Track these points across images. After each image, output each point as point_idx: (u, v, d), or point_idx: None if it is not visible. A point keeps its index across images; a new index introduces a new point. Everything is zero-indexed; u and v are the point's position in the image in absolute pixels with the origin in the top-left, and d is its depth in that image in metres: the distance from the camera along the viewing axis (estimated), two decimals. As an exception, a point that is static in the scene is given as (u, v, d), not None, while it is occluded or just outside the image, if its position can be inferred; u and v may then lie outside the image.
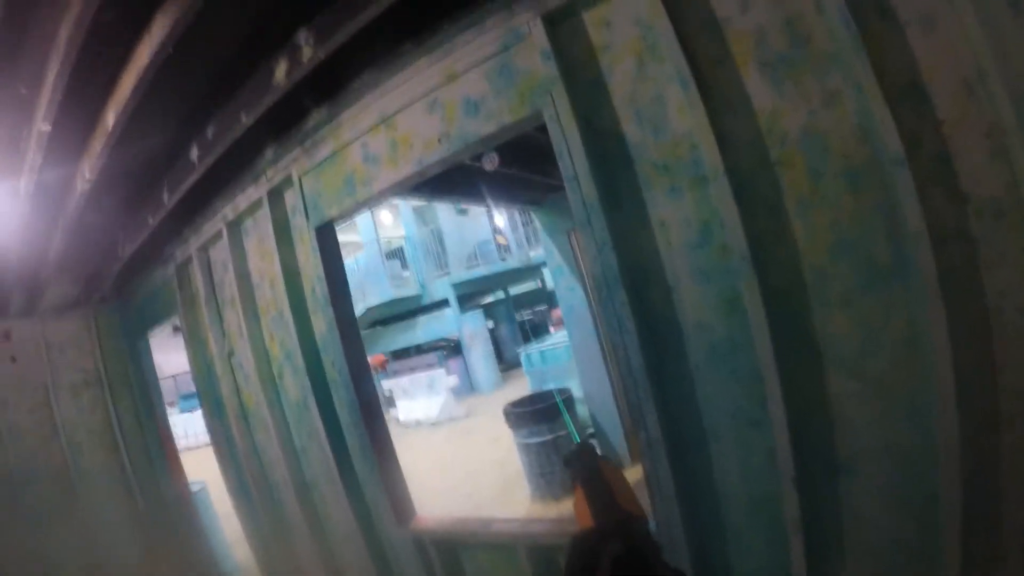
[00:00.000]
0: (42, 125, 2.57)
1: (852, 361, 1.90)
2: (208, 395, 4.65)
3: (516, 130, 2.45)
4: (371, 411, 3.35)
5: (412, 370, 15.82)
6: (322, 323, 3.41)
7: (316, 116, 3.04)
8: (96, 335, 5.73)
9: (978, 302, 1.71)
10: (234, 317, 4.04)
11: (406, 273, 18.35)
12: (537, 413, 6.20)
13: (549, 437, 6.08)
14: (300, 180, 3.28)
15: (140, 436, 5.84)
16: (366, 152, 2.95)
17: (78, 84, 2.44)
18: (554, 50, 2.21)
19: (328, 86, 2.92)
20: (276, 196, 3.49)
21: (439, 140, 2.63)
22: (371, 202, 3.09)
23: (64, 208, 3.53)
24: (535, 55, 2.27)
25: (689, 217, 2.11)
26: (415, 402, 13.86)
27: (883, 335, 1.85)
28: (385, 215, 19.84)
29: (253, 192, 3.58)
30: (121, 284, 5.48)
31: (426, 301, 17.89)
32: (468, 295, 17.90)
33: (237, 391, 4.28)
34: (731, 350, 2.08)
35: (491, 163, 2.37)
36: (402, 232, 18.71)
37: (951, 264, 1.71)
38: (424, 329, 18.22)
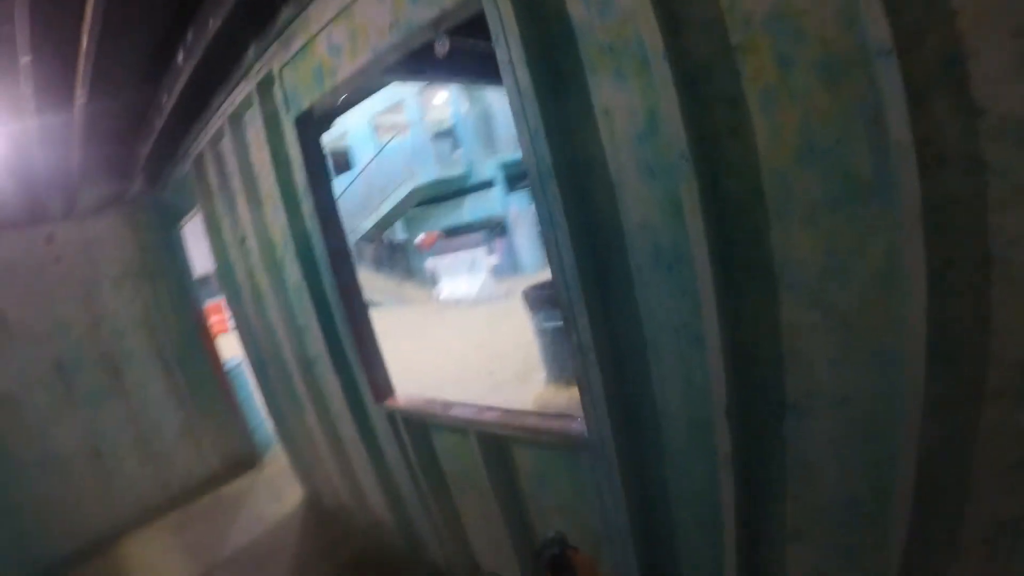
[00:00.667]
0: (22, 58, 2.55)
1: (813, 289, 1.56)
2: (227, 279, 4.69)
3: (458, 15, 2.08)
4: (350, 296, 3.31)
5: (457, 249, 15.93)
6: (308, 211, 3.32)
7: (286, 11, 2.83)
8: (133, 229, 5.86)
9: (978, 246, 1.31)
10: (243, 206, 3.98)
11: (456, 153, 18.02)
12: (554, 297, 6.07)
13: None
14: (280, 74, 3.10)
15: (177, 320, 6.08)
16: (330, 43, 2.70)
17: (44, 15, 2.40)
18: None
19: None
20: (264, 90, 3.31)
21: (390, 27, 2.31)
22: (339, 91, 2.84)
23: (71, 122, 3.53)
24: (471, -68, 1.86)
25: (635, 105, 1.74)
26: (456, 281, 14.03)
27: (854, 263, 1.48)
28: (438, 96, 19.22)
29: (245, 87, 3.42)
30: (152, 181, 5.45)
31: (473, 181, 17.64)
32: (516, 175, 17.53)
33: (250, 275, 4.31)
34: (676, 258, 1.77)
35: (442, 48, 2.10)
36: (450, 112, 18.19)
37: (946, 192, 1.30)
38: (470, 209, 18.12)
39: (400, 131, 18.40)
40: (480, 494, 2.93)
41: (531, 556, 1.42)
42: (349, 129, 18.93)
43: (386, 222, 18.80)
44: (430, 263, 15.59)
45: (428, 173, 17.01)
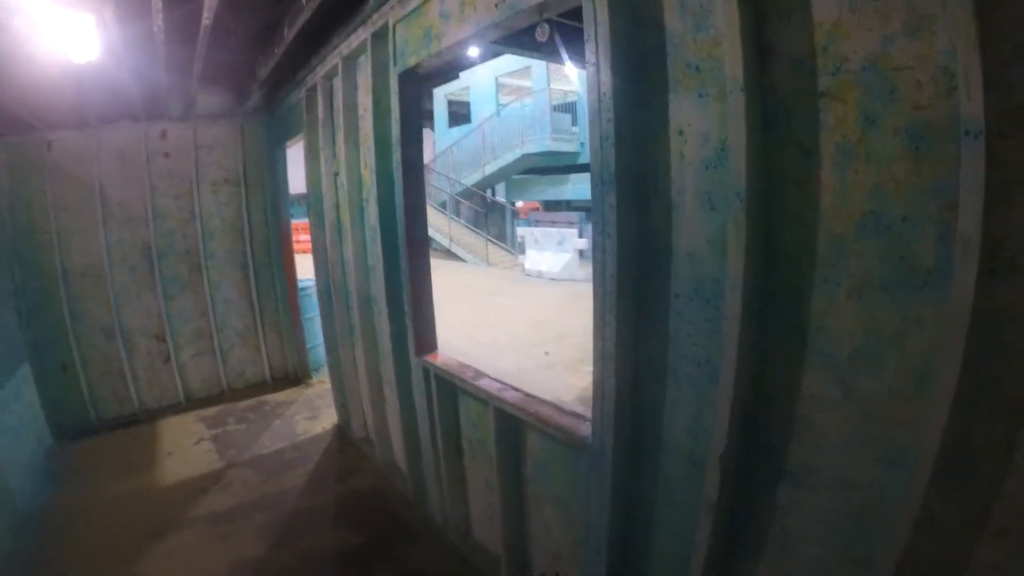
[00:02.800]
0: None
1: (841, 365, 1.46)
2: (315, 206, 4.92)
3: (560, 4, 2.07)
4: (417, 250, 3.44)
5: (552, 224, 15.88)
6: (396, 161, 3.43)
7: (409, -32, 2.88)
8: (241, 140, 6.21)
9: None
10: (342, 142, 4.14)
11: (574, 128, 17.82)
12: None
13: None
14: (394, 28, 3.20)
15: (264, 231, 6.44)
16: (442, 8, 2.75)
17: None
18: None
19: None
20: (379, 39, 3.43)
21: (496, 5, 2.31)
22: (441, 55, 2.89)
23: (195, 40, 3.73)
24: (586, -77, 1.80)
25: (709, 131, 1.67)
26: (542, 254, 14.01)
27: (890, 352, 1.36)
28: (567, 68, 18.97)
29: (362, 33, 3.55)
30: (268, 99, 5.76)
31: (583, 160, 17.43)
32: (626, 165, 17.07)
33: (336, 207, 4.52)
34: (716, 294, 1.71)
35: (542, 35, 2.08)
36: (576, 87, 17.93)
37: (1008, 304, 1.16)
38: (574, 187, 17.95)
39: (522, 96, 18.35)
40: (488, 464, 3.00)
41: None
42: (473, 83, 19.08)
43: (489, 182, 18.99)
44: (521, 231, 15.65)
45: (541, 143, 16.94)
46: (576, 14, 2.18)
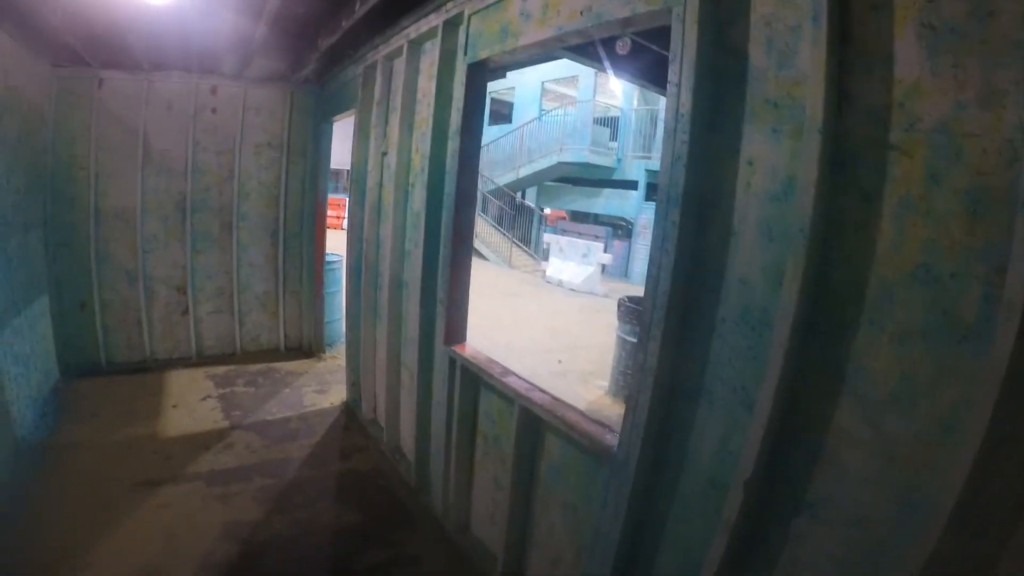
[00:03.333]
0: None
1: (874, 406, 1.56)
2: (358, 183, 5.07)
3: (648, 21, 2.16)
4: (461, 241, 3.55)
5: (579, 235, 16.03)
6: (452, 150, 3.56)
7: (492, -41, 3.00)
8: (289, 108, 6.40)
9: None
10: (395, 123, 4.29)
11: (612, 144, 17.97)
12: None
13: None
14: (469, 18, 3.33)
15: (299, 201, 6.62)
16: (523, 7, 2.87)
17: None
18: (704, -57, 1.85)
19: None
20: (450, 27, 3.56)
21: (581, 12, 2.43)
22: (516, 53, 3.02)
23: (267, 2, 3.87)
24: (687, -56, 1.93)
25: (778, 165, 1.79)
26: (565, 264, 14.14)
27: (923, 400, 1.47)
28: (613, 82, 19.16)
29: (434, 19, 3.69)
30: (322, 71, 5.92)
31: (617, 176, 17.57)
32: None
33: (380, 186, 4.66)
34: (762, 323, 1.82)
35: (623, 47, 2.20)
36: (620, 102, 18.08)
37: None
38: (606, 202, 18.06)
39: (566, 103, 18.53)
40: (500, 461, 3.12)
41: None
42: (518, 84, 19.30)
43: (521, 184, 19.18)
44: (547, 238, 15.80)
45: (578, 153, 17.09)
46: (650, 34, 2.32)
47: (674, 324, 2.06)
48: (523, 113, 19.55)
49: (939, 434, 1.45)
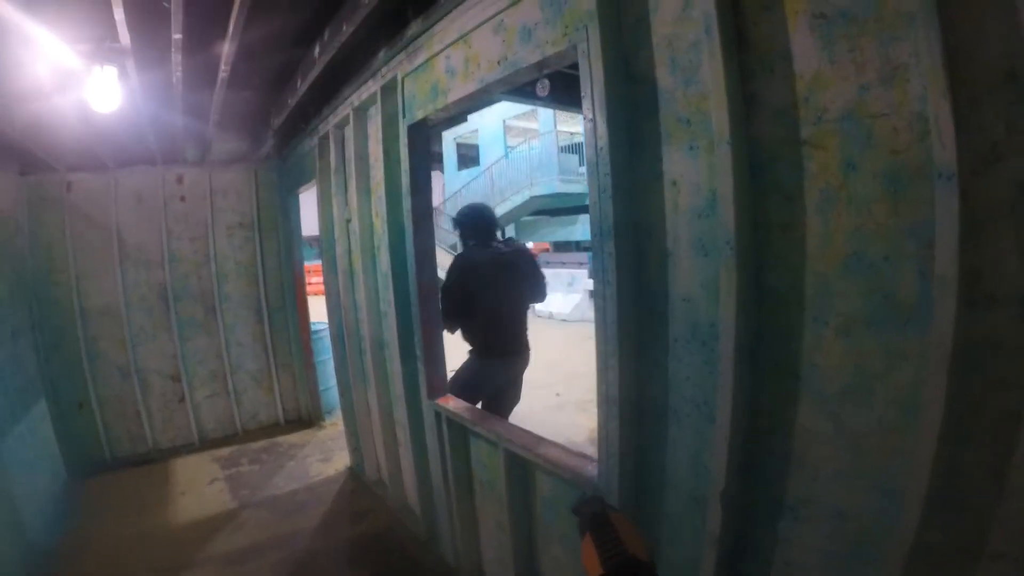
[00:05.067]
0: (175, 34, 2.86)
1: (832, 400, 1.51)
2: (328, 252, 5.04)
3: (558, 62, 2.18)
4: (426, 294, 3.50)
5: (562, 264, 16.02)
6: (406, 209, 3.53)
7: (415, 26, 3.02)
8: (255, 186, 6.40)
9: (1013, 399, 1.22)
10: (354, 189, 4.27)
11: (581, 169, 18.13)
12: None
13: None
14: (402, 81, 3.34)
15: (278, 276, 6.57)
16: (448, 64, 2.89)
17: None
18: (596, -19, 1.85)
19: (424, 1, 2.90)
20: (388, 92, 3.58)
21: (499, 62, 2.44)
22: (448, 109, 3.03)
23: (212, 89, 3.93)
24: (580, -16, 1.93)
25: (700, 182, 1.76)
26: (551, 295, 14.09)
27: (877, 386, 1.42)
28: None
29: (372, 85, 3.71)
30: (281, 146, 5.95)
31: (590, 202, 17.65)
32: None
33: (348, 253, 4.63)
34: (711, 336, 1.76)
35: (543, 90, 2.21)
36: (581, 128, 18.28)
37: (990, 334, 1.22)
38: (583, 228, 18.15)
39: (530, 138, 18.74)
40: (499, 505, 3.02)
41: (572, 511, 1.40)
42: (481, 127, 19.52)
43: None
44: (529, 272, 15.78)
45: (549, 185, 17.23)
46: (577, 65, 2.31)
47: (628, 352, 2.01)
48: (489, 154, 19.74)
49: (900, 418, 1.39)
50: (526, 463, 2.74)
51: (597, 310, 2.07)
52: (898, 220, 1.37)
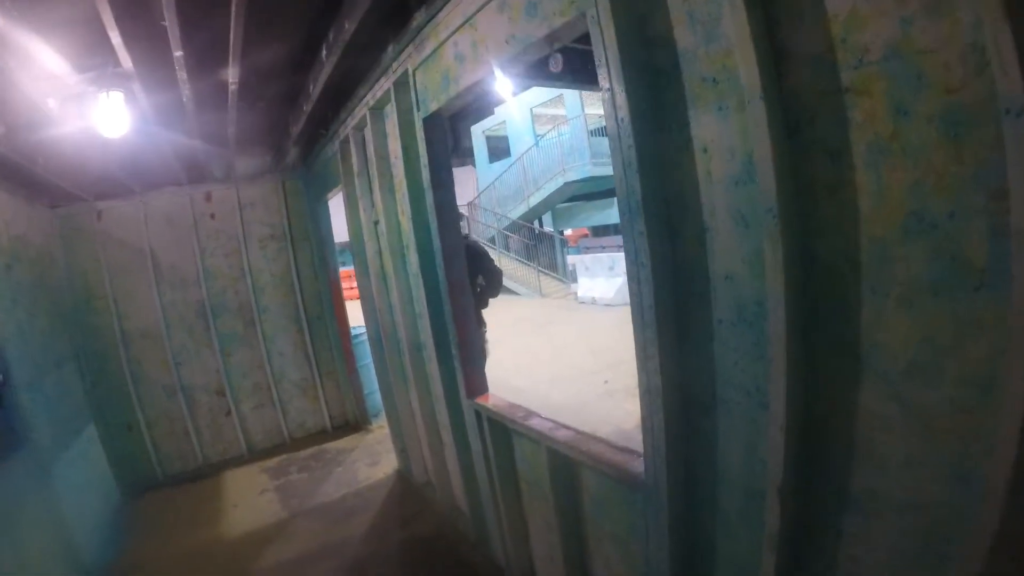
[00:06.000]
0: (175, 51, 2.82)
1: (898, 380, 1.34)
2: (359, 256, 5.02)
3: (569, 32, 2.03)
4: (457, 292, 3.43)
5: (602, 249, 15.79)
6: (429, 205, 3.45)
7: (419, 16, 2.92)
8: (283, 197, 6.46)
9: None
10: (378, 190, 4.22)
11: (614, 152, 17.79)
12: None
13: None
14: (414, 74, 3.25)
15: (314, 283, 6.62)
16: (456, 51, 2.78)
17: (188, 20, 2.64)
18: (600, -60, 1.69)
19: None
20: (401, 87, 3.50)
21: (506, 41, 2.32)
22: (462, 97, 2.92)
23: (225, 104, 3.90)
24: (584, -52, 1.78)
25: (734, 146, 1.60)
26: (594, 281, 13.89)
27: (948, 361, 1.24)
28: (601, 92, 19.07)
29: (384, 82, 3.64)
30: (304, 154, 5.98)
31: (625, 183, 17.33)
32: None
33: (379, 255, 4.59)
34: (759, 316, 1.61)
35: (555, 65, 2.08)
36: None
37: None
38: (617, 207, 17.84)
39: (559, 124, 18.49)
40: (546, 503, 2.92)
41: None
42: (508, 117, 19.34)
43: (535, 213, 19.09)
44: (571, 259, 15.61)
45: (581, 169, 16.97)
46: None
47: (669, 339, 1.87)
48: (519, 144, 19.55)
49: (976, 396, 1.22)
50: (570, 461, 2.63)
51: (632, 295, 1.93)
52: (961, 169, 1.18)
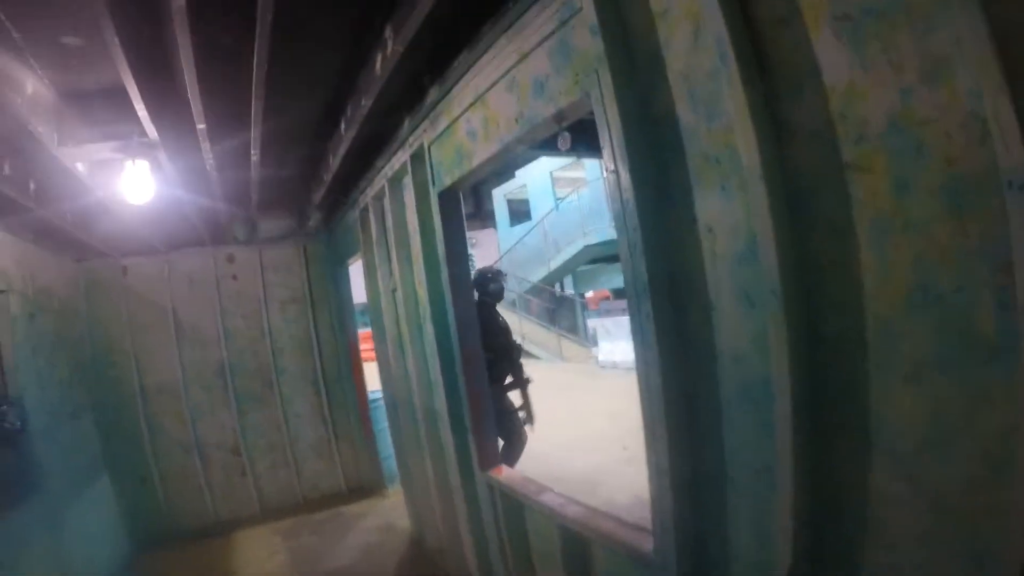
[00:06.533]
0: (198, 124, 3.00)
1: (907, 457, 1.30)
2: (376, 322, 5.07)
3: (575, 111, 2.11)
4: (471, 364, 3.42)
5: (623, 312, 15.67)
6: (444, 279, 3.50)
7: (433, 93, 3.05)
8: (304, 261, 6.57)
9: None
10: (396, 260, 4.32)
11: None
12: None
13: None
14: (429, 149, 3.36)
15: (333, 347, 6.64)
16: (469, 127, 2.88)
17: (210, 96, 2.80)
18: (601, 23, 1.78)
19: (439, 66, 2.91)
20: (417, 161, 3.61)
21: (516, 120, 2.41)
22: (475, 174, 3.03)
23: (248, 171, 4.09)
24: (586, 30, 1.87)
25: (738, 224, 1.60)
26: (615, 344, 13.75)
27: (959, 437, 1.20)
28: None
29: (402, 155, 3.76)
30: (327, 219, 6.14)
31: (647, 247, 17.36)
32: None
33: (396, 323, 4.62)
34: (766, 395, 1.57)
35: (563, 143, 2.16)
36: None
37: None
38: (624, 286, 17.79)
39: (578, 187, 18.76)
40: (557, 576, 2.82)
41: None
42: (529, 181, 19.68)
43: (555, 276, 19.13)
44: (592, 323, 15.52)
45: (601, 232, 17.04)
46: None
47: (676, 420, 1.85)
48: (540, 207, 19.79)
49: (988, 473, 1.18)
50: (581, 536, 2.55)
51: (640, 376, 1.92)
52: (966, 242, 1.17)
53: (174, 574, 5.14)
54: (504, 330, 4.87)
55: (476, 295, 4.52)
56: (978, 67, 1.05)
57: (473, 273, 4.62)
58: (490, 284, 4.76)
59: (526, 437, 4.83)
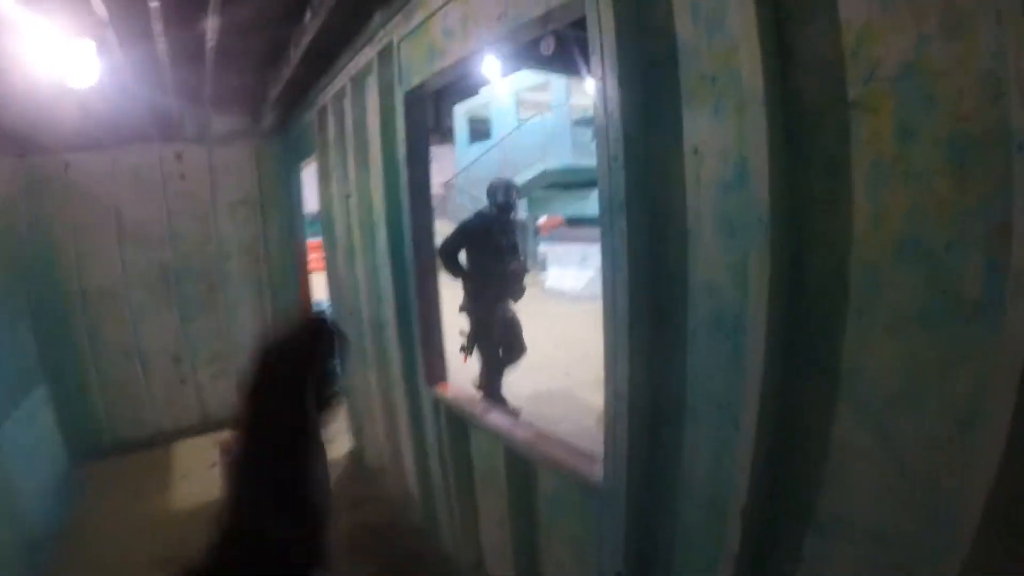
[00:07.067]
0: (151, 3, 2.66)
1: (877, 409, 1.29)
2: (328, 229, 4.86)
3: (565, 13, 1.94)
4: (425, 274, 3.33)
5: (573, 240, 15.70)
6: (403, 183, 3.33)
7: (410, -17, 2.80)
8: (255, 162, 6.17)
9: None
10: (353, 164, 4.09)
11: (595, 143, 17.68)
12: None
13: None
14: (399, 45, 3.11)
15: (280, 253, 6.38)
16: (445, 24, 2.65)
17: None
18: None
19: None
20: (385, 58, 3.34)
21: (498, 18, 2.20)
22: (446, 74, 2.81)
23: (202, 61, 3.74)
24: (587, -78, 1.68)
25: (727, 149, 1.52)
26: (564, 272, 13.82)
27: (931, 395, 1.19)
28: (588, 82, 18.89)
29: (368, 52, 3.48)
30: (281, 120, 5.76)
31: (604, 175, 17.27)
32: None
33: (348, 230, 4.43)
34: (736, 328, 1.54)
35: (547, 47, 2.00)
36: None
37: None
38: (597, 202, 17.78)
39: (542, 111, 18.30)
40: (500, 499, 2.85)
41: None
42: (493, 99, 19.05)
43: (512, 198, 18.88)
44: (543, 248, 15.49)
45: (562, 158, 16.85)
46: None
47: (640, 345, 1.79)
48: (501, 127, 19.29)
49: (955, 432, 1.17)
50: (527, 460, 2.56)
51: (605, 296, 1.84)
52: (964, 199, 1.12)
53: (113, 485, 5.01)
54: (512, 248, 5.32)
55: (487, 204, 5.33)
56: (1002, 25, 1.00)
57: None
58: (499, 195, 5.28)
59: (526, 348, 5.50)
